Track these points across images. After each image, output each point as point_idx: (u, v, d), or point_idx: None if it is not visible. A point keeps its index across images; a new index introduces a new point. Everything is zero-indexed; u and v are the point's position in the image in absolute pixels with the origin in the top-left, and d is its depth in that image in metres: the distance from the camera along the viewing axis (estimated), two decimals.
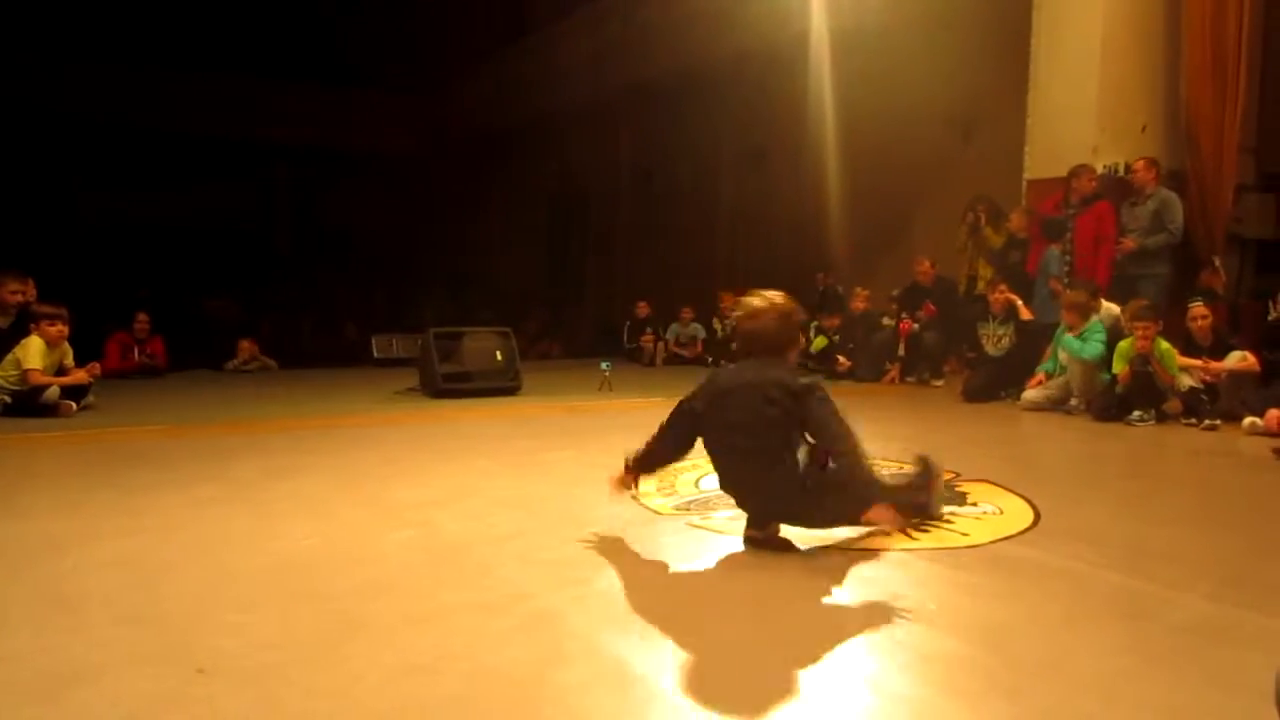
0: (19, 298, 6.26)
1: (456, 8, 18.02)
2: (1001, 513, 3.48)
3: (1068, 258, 7.62)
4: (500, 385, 7.38)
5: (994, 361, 7.57)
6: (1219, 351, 6.23)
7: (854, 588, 2.60)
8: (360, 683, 1.92)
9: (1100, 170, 7.73)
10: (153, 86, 16.71)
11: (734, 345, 10.75)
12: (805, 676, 1.99)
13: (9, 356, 5.87)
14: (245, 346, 9.95)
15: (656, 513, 3.47)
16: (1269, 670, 0.80)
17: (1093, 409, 6.41)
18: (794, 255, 11.91)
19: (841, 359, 9.31)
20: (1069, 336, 6.65)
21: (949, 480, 3.57)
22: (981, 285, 8.39)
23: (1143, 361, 6.12)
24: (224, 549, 2.93)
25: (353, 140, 18.72)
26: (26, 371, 5.82)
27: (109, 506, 3.47)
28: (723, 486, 3.08)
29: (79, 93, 16.08)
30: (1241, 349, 6.19)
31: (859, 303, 9.77)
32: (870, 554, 2.93)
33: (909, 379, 8.67)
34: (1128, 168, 7.67)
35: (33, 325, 6.02)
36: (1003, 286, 7.62)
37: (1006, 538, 3.14)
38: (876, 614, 2.38)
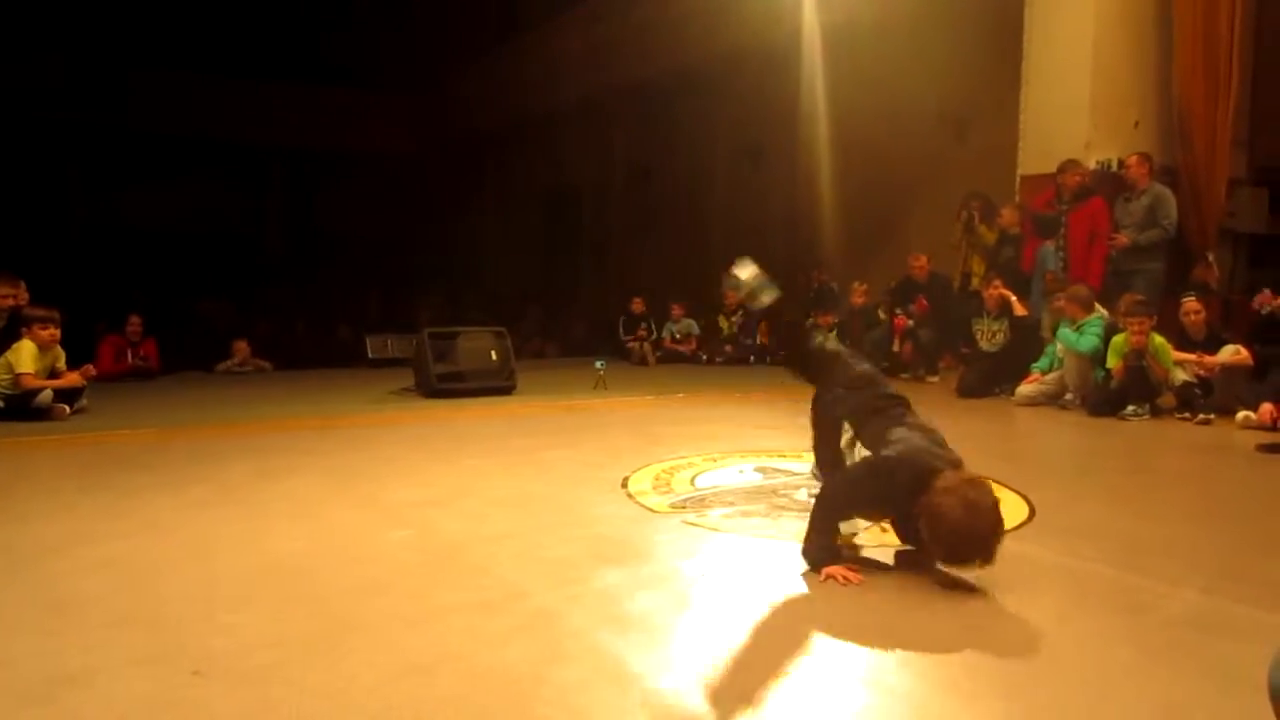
0: (10, 301, 6.22)
1: (451, 7, 17.98)
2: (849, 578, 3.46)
3: (1061, 254, 7.64)
4: (495, 385, 7.36)
5: (989, 357, 7.58)
6: (1212, 345, 6.24)
7: (850, 585, 2.59)
8: (356, 683, 1.91)
9: (1094, 166, 7.75)
10: (146, 88, 16.66)
11: (730, 346, 10.71)
12: (802, 673, 2.00)
13: (1, 360, 5.85)
14: (240, 348, 9.92)
15: (653, 511, 3.47)
16: (1265, 664, 0.80)
17: (1087, 404, 6.42)
18: (789, 252, 11.90)
19: None
20: (1065, 329, 6.67)
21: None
22: (976, 281, 8.40)
23: (1137, 356, 6.13)
24: (218, 551, 2.92)
25: (347, 141, 18.66)
26: (19, 375, 5.79)
27: (103, 509, 3.45)
28: None
29: (74, 94, 16.01)
30: (1234, 343, 6.21)
31: (857, 297, 9.77)
32: (865, 550, 2.93)
33: (904, 375, 8.68)
34: (1121, 163, 7.68)
35: (24, 329, 5.98)
36: (997, 282, 7.63)
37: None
38: (873, 610, 2.39)
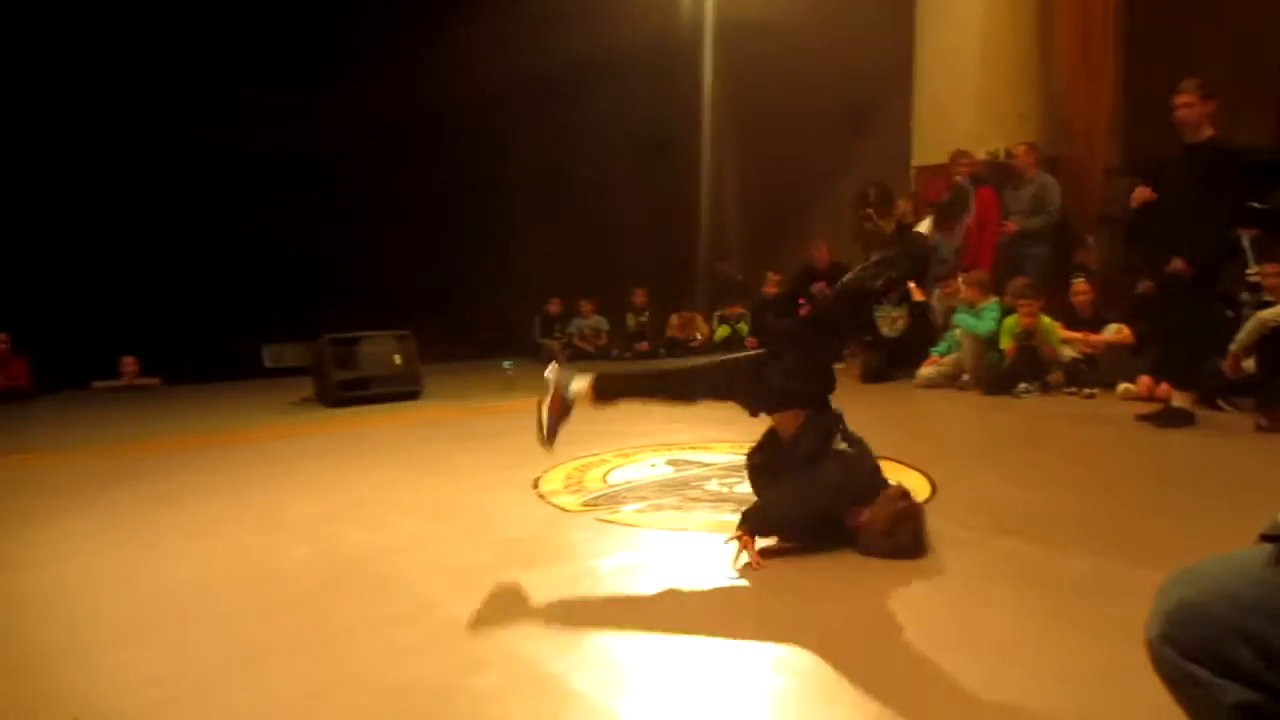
0: None
1: (345, 1, 17.46)
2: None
3: (955, 241, 7.90)
4: (401, 390, 7.21)
5: (890, 342, 7.80)
6: (1097, 325, 6.57)
7: (760, 571, 2.63)
8: (258, 711, 1.84)
9: (983, 156, 8.04)
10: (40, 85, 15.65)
11: (645, 343, 10.68)
12: (715, 661, 2.01)
13: None
14: (128, 364, 9.45)
15: (565, 510, 3.45)
16: None
17: (982, 384, 6.67)
18: (694, 246, 12.02)
19: (750, 343, 9.43)
20: (963, 314, 6.91)
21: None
22: None
23: (1027, 336, 6.41)
24: (103, 584, 2.76)
25: (236, 139, 17.96)
26: None
27: None
28: None
29: None
30: (1116, 322, 6.54)
31: (770, 287, 9.89)
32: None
33: None
34: (1009, 153, 7.99)
35: None
36: None
37: None
38: (782, 595, 2.42)
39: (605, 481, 3.93)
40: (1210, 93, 4.79)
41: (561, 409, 2.98)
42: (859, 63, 10.11)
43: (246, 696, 1.91)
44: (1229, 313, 5.96)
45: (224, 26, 16.82)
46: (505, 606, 2.42)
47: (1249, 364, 5.34)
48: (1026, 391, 6.34)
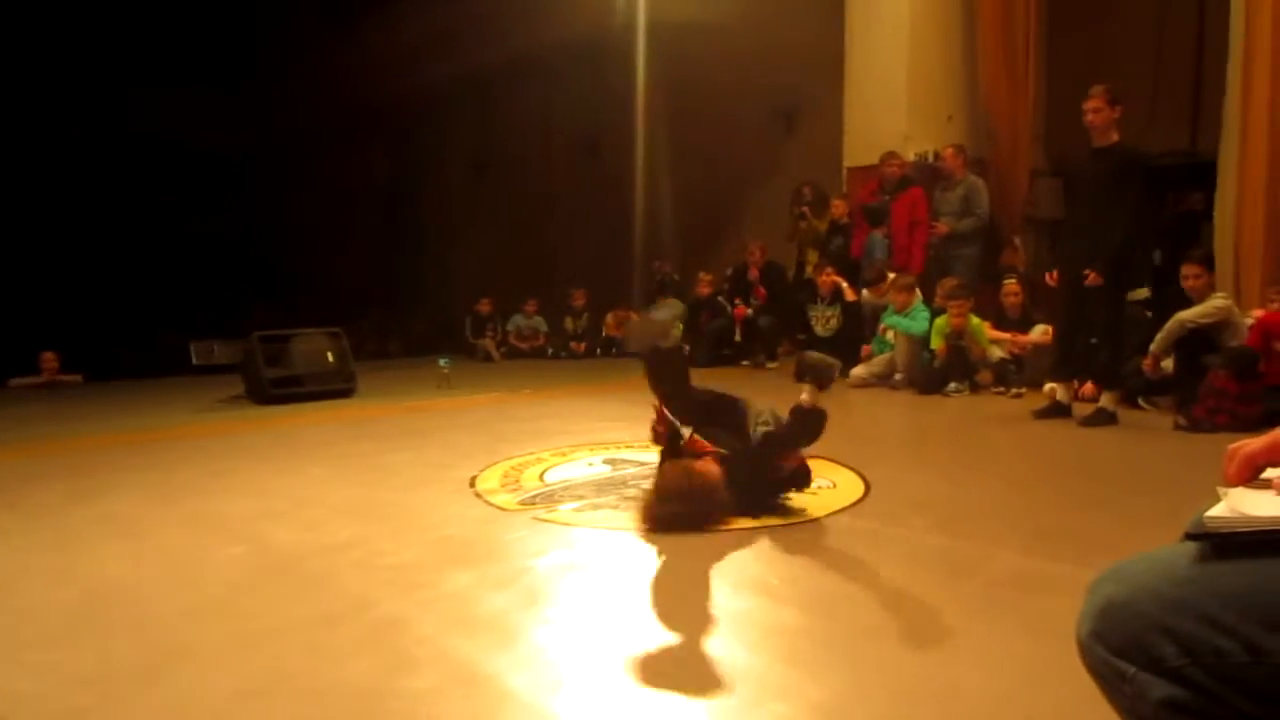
0: None
1: None
2: (835, 486, 3.64)
3: (888, 241, 8.07)
4: (333, 388, 7.08)
5: (824, 342, 7.90)
6: (1025, 325, 6.76)
7: (697, 567, 2.65)
8: (187, 714, 1.79)
9: (912, 157, 8.21)
10: None
11: (582, 344, 10.71)
12: (652, 659, 2.01)
13: None
14: (48, 359, 9.08)
15: (502, 509, 3.42)
16: (1076, 615, 0.87)
17: (914, 383, 6.81)
18: (629, 244, 12.04)
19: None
20: (895, 316, 7.04)
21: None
22: (810, 270, 8.75)
23: (957, 336, 6.56)
24: (21, 584, 2.66)
25: (168, 134, 17.40)
26: None
27: None
28: None
29: None
30: (1043, 323, 6.73)
31: (703, 287, 9.96)
32: (713, 533, 2.99)
33: (744, 362, 8.93)
34: (938, 155, 8.17)
35: None
36: (829, 270, 7.97)
37: (841, 510, 3.28)
38: (720, 592, 2.44)
39: (542, 480, 3.91)
40: (1117, 98, 4.98)
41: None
42: (790, 64, 10.25)
43: (175, 698, 1.86)
44: (1147, 313, 6.19)
45: (155, 23, 16.27)
46: (440, 606, 2.39)
47: (1168, 364, 5.55)
48: (957, 391, 6.49)
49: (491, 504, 3.50)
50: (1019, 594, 2.39)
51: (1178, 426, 4.99)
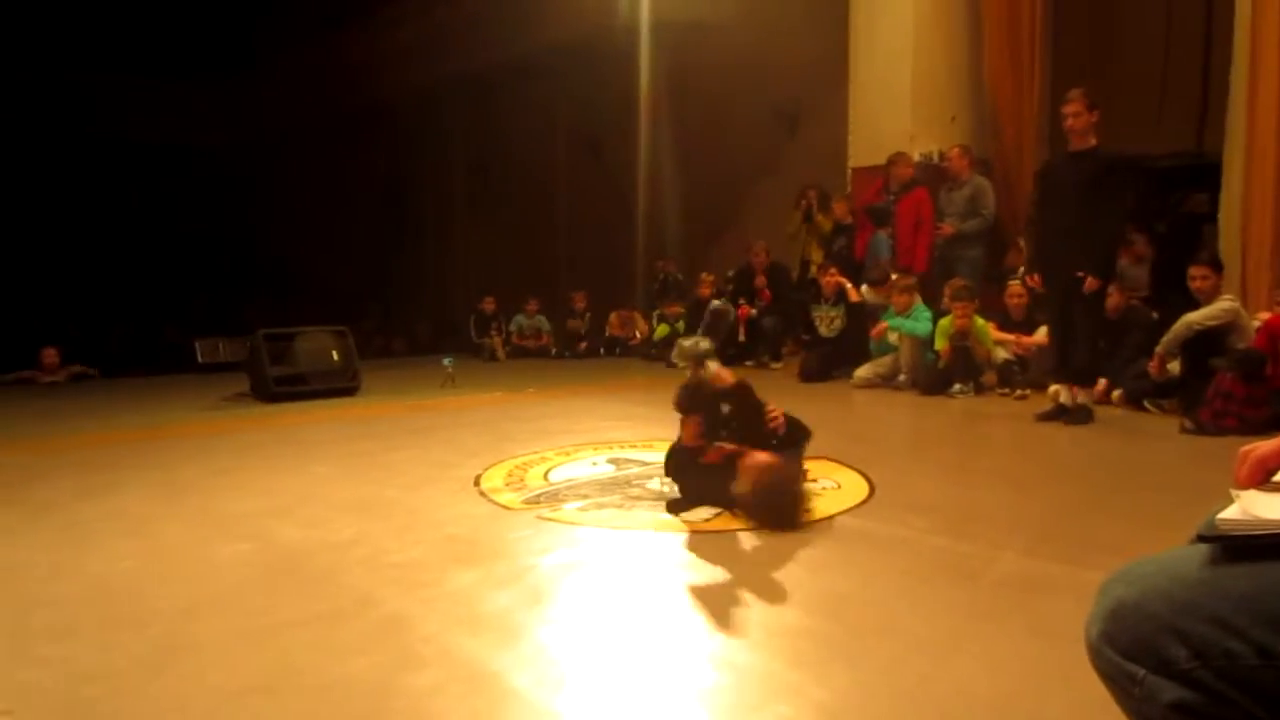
0: None
1: None
2: (840, 487, 3.63)
3: (892, 242, 8.05)
4: (338, 386, 7.08)
5: (827, 342, 7.90)
6: (1030, 326, 6.74)
7: (702, 570, 2.65)
8: (192, 708, 1.80)
9: (917, 158, 8.20)
10: None
11: (584, 343, 10.73)
12: (656, 660, 2.01)
13: None
14: (49, 355, 9.10)
15: (506, 508, 3.42)
16: (1082, 618, 0.87)
17: (918, 384, 6.80)
18: (631, 244, 12.04)
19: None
20: (897, 317, 7.02)
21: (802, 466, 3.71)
22: (814, 270, 8.73)
23: (961, 338, 6.55)
24: (30, 577, 2.68)
25: (167, 132, 17.44)
26: None
27: None
28: None
29: None
30: (1045, 323, 6.71)
31: (704, 289, 9.94)
32: (716, 536, 2.99)
33: (748, 363, 8.92)
34: (942, 155, 8.16)
35: None
36: (833, 270, 7.96)
37: (845, 511, 3.28)
38: (724, 594, 2.44)
39: (546, 479, 3.91)
40: (1095, 102, 5.02)
41: None
42: (794, 64, 10.24)
43: (180, 692, 1.86)
44: (1154, 315, 6.17)
45: (157, 20, 16.28)
46: (444, 604, 2.39)
47: (1174, 366, 5.53)
48: (961, 392, 6.48)
49: (496, 503, 3.50)
50: (1024, 595, 2.39)
51: (1184, 429, 4.97)
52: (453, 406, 6.59)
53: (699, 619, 2.25)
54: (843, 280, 7.88)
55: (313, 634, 2.18)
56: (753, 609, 2.31)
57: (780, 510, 3.06)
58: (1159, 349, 5.49)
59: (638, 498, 3.52)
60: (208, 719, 1.76)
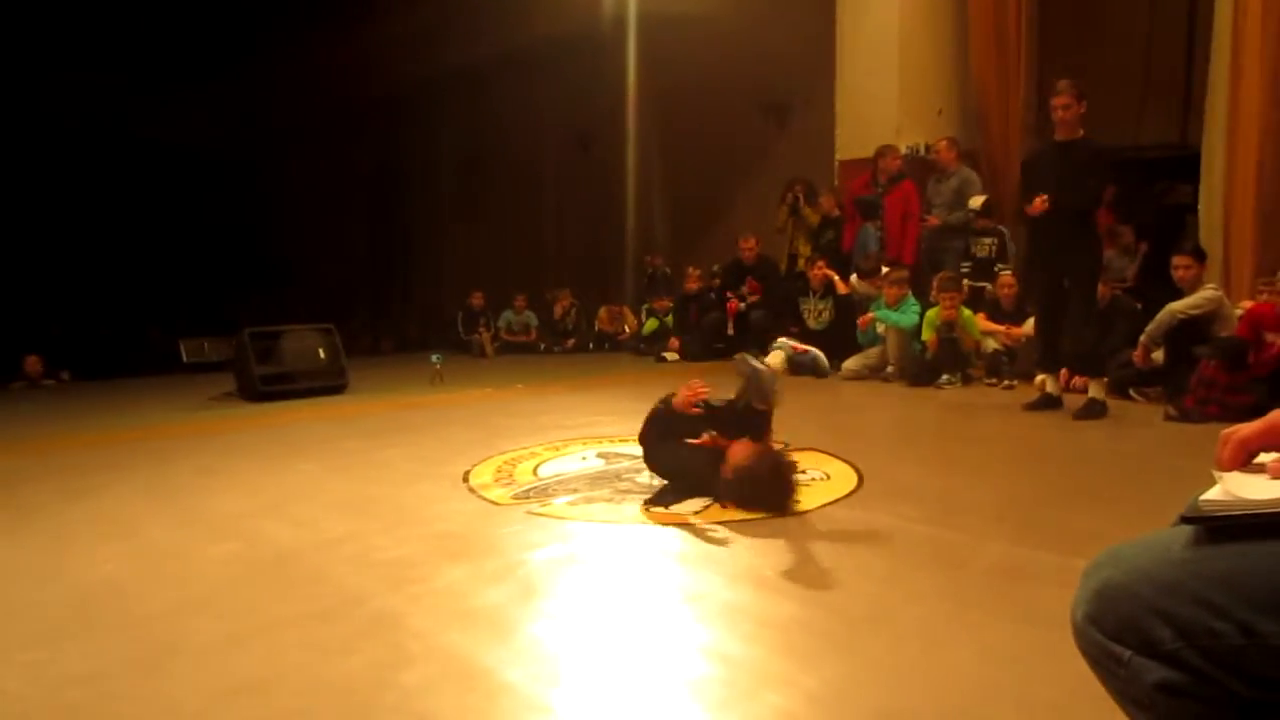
0: None
1: None
2: (829, 478, 3.64)
3: (880, 234, 8.07)
4: (325, 384, 7.06)
5: (816, 335, 7.92)
6: (1019, 317, 6.78)
7: (692, 560, 2.65)
8: (182, 708, 1.79)
9: (904, 151, 8.22)
10: None
11: (571, 339, 10.72)
12: (648, 652, 2.02)
13: None
14: (32, 363, 9.01)
15: (496, 504, 3.41)
16: (1067, 604, 0.87)
17: (906, 375, 6.82)
18: (620, 239, 12.04)
19: (673, 340, 9.51)
20: (885, 310, 7.05)
21: (780, 449, 3.71)
22: (802, 263, 8.76)
23: (948, 328, 6.57)
24: (12, 582, 2.65)
25: (151, 130, 17.27)
26: None
27: None
28: None
29: None
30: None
31: (692, 283, 9.95)
32: (705, 528, 3.00)
33: (737, 356, 8.92)
34: (929, 148, 8.19)
35: None
36: (821, 263, 7.98)
37: (834, 501, 3.29)
38: (714, 585, 2.44)
39: (536, 475, 3.91)
40: (1083, 93, 5.03)
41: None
42: (781, 57, 10.25)
43: (167, 694, 1.85)
44: (1138, 305, 6.21)
45: (144, 16, 16.09)
46: (435, 600, 2.38)
47: (1158, 355, 5.57)
48: (949, 383, 6.51)
49: (485, 499, 3.50)
50: (1011, 582, 2.40)
51: (1168, 417, 5.01)
52: (441, 403, 6.57)
53: (689, 610, 2.26)
54: (830, 273, 7.90)
55: (303, 633, 2.18)
56: (743, 599, 2.32)
57: (767, 494, 3.14)
58: (1143, 338, 5.53)
59: (627, 491, 3.52)
60: (199, 718, 1.75)
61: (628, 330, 10.96)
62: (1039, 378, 6.03)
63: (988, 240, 7.56)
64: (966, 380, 6.60)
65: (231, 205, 18.23)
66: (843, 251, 8.37)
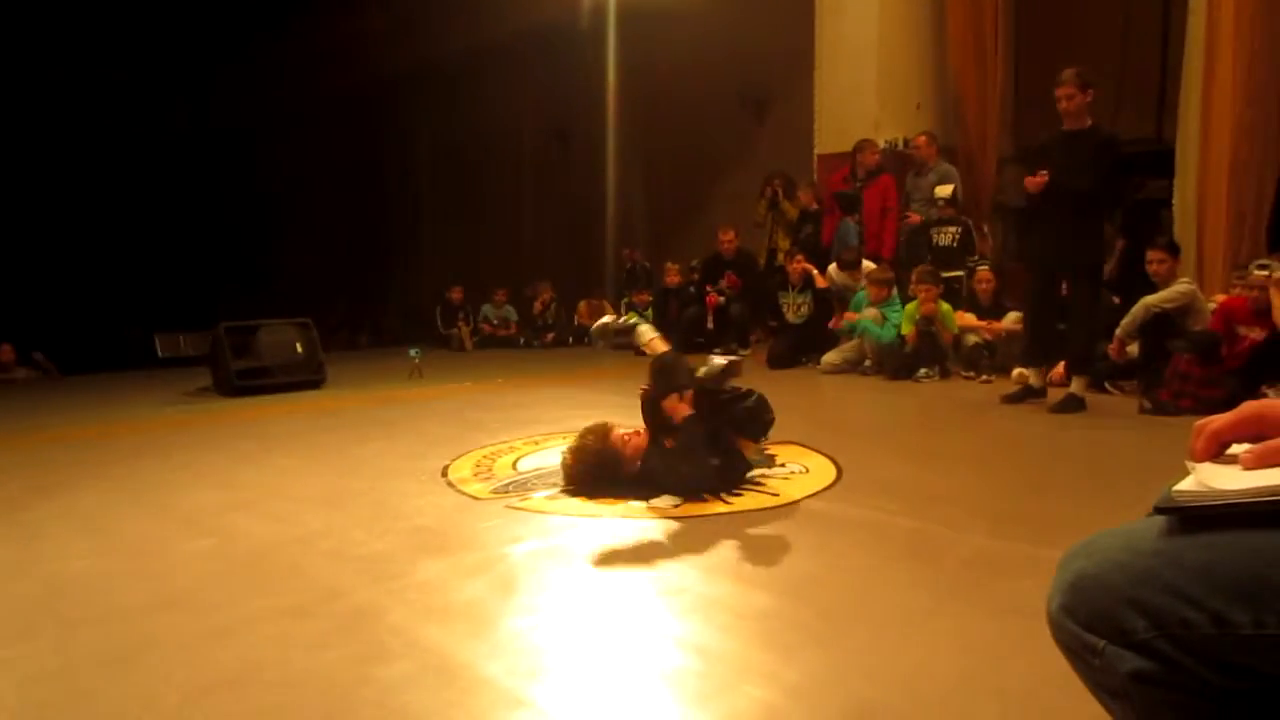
0: None
1: None
2: (808, 471, 3.66)
3: (859, 228, 8.10)
4: (302, 379, 7.01)
5: (795, 328, 7.94)
6: (997, 312, 6.82)
7: (671, 554, 2.65)
8: (156, 705, 1.77)
9: (883, 145, 8.25)
10: None
11: (551, 334, 10.73)
12: (627, 646, 2.02)
13: None
14: (4, 351, 8.90)
15: (475, 498, 3.40)
16: (1043, 595, 0.88)
17: (885, 369, 6.85)
18: (600, 233, 12.02)
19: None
20: (869, 321, 7.04)
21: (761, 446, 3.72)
22: (781, 257, 8.77)
23: (926, 322, 6.61)
24: None
25: (125, 123, 17.06)
26: None
27: None
28: None
29: None
30: (1014, 310, 6.79)
31: (671, 277, 9.95)
32: (687, 520, 3.00)
33: (717, 350, 8.92)
34: (907, 142, 8.22)
35: None
36: (799, 257, 8.00)
37: (813, 494, 3.30)
38: (692, 578, 2.44)
39: (515, 469, 3.89)
40: (1089, 82, 4.99)
41: None
42: (761, 51, 10.27)
43: (140, 691, 1.83)
44: (1115, 299, 6.26)
45: (119, 9, 15.85)
46: (412, 595, 2.37)
47: (1133, 348, 5.62)
48: (927, 376, 6.54)
49: (464, 493, 3.48)
50: (987, 575, 2.42)
51: (1142, 410, 5.06)
52: (420, 397, 6.54)
53: (668, 604, 2.26)
54: (809, 267, 7.92)
55: (279, 628, 2.16)
56: (722, 592, 2.32)
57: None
58: (1119, 332, 5.58)
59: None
60: (172, 717, 1.73)
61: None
62: (1016, 371, 6.08)
63: (951, 229, 7.59)
64: (945, 374, 6.64)
65: (209, 199, 18.07)
66: (822, 245, 8.39)
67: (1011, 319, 6.69)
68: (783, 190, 8.93)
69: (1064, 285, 5.30)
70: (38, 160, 16.44)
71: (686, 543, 2.76)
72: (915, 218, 7.84)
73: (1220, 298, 5.71)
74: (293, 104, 16.79)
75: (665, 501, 3.20)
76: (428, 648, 2.03)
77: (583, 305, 11.23)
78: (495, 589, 2.40)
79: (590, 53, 11.54)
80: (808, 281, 7.89)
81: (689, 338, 9.15)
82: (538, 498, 3.37)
